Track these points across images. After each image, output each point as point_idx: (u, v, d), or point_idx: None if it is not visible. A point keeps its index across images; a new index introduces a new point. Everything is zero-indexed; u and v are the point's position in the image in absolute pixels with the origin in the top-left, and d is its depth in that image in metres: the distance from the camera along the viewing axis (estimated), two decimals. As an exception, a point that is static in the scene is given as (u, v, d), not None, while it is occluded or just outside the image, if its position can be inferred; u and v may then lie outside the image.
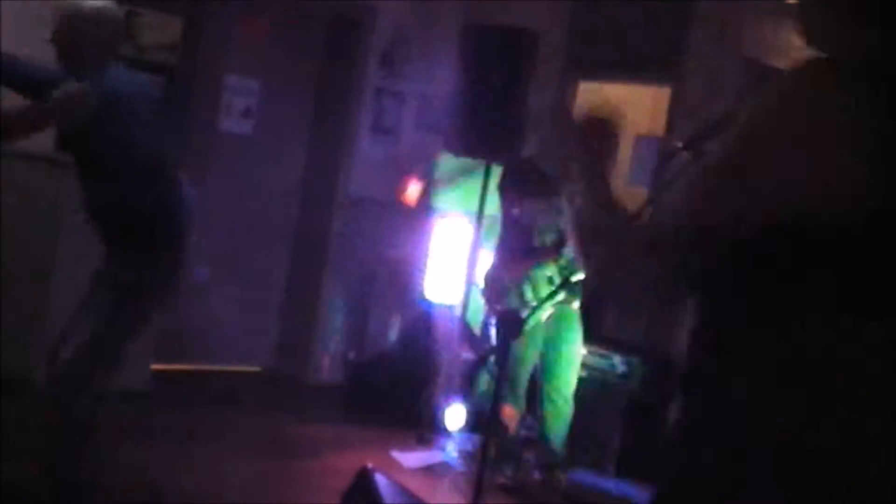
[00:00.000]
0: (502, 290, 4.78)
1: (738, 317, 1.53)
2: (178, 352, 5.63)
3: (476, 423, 5.22)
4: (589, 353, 5.15)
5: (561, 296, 4.62)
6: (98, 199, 3.52)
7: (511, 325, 2.85)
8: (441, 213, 6.10)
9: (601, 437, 5.28)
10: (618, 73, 6.47)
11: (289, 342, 6.26)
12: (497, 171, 4.98)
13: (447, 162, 5.98)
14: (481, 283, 4.94)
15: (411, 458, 4.95)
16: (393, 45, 6.13)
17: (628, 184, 6.17)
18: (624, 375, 5.30)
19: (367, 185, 6.13)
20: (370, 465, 3.13)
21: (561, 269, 4.67)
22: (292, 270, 6.26)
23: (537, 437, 4.90)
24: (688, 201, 1.53)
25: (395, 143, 6.24)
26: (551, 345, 4.75)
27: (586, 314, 4.86)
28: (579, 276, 4.47)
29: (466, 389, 5.33)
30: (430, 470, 4.89)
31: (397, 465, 4.80)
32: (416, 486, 4.12)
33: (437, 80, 6.06)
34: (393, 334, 6.04)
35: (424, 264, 5.93)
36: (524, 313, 3.28)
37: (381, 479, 3.06)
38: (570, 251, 4.69)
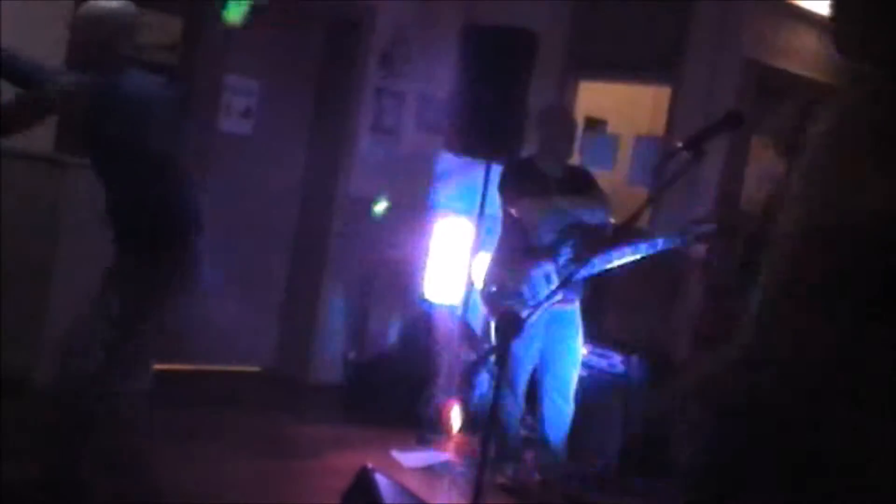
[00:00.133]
0: (500, 289, 4.78)
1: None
2: (178, 352, 5.62)
3: (476, 423, 5.22)
4: (589, 353, 5.16)
5: (561, 295, 4.61)
6: (115, 198, 3.55)
7: (511, 325, 2.85)
8: (441, 213, 6.09)
9: (601, 437, 5.28)
10: (618, 73, 6.48)
11: (289, 342, 6.26)
12: (497, 171, 4.97)
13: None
14: (479, 283, 4.94)
15: (411, 458, 4.95)
16: (393, 45, 6.13)
17: (628, 184, 6.17)
18: (624, 375, 5.30)
19: (367, 185, 6.13)
20: (370, 465, 3.13)
21: (559, 269, 4.67)
22: (292, 270, 6.26)
23: (537, 437, 4.90)
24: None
25: (395, 143, 6.24)
26: (551, 344, 4.75)
27: (586, 314, 4.86)
28: (578, 276, 4.48)
29: (466, 389, 5.33)
30: (430, 470, 4.89)
31: (397, 465, 4.80)
32: (416, 486, 4.12)
33: (437, 80, 6.06)
34: (393, 334, 6.04)
35: (424, 264, 5.93)
36: (524, 313, 3.27)
37: (381, 479, 3.06)
38: (567, 251, 4.69)
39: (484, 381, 5.32)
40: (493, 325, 4.85)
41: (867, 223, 1.34)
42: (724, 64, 5.81)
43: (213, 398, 5.46)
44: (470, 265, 5.22)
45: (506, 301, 4.72)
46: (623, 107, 6.87)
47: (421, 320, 5.75)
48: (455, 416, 5.28)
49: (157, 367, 5.28)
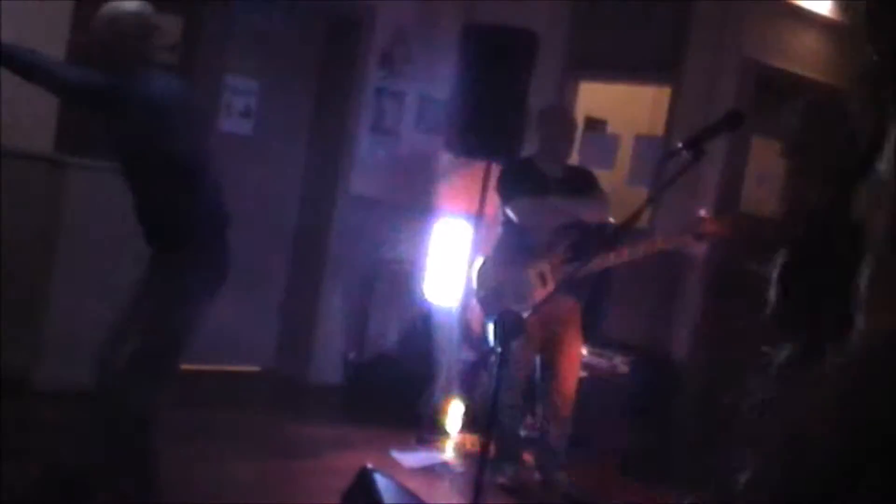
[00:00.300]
0: (495, 289, 4.78)
1: None
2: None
3: (476, 423, 5.22)
4: (589, 353, 5.16)
5: (561, 295, 4.61)
6: (143, 202, 3.59)
7: (511, 325, 2.85)
8: (441, 213, 6.09)
9: (601, 437, 5.28)
10: (618, 73, 6.48)
11: (289, 342, 6.25)
12: (497, 171, 4.97)
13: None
14: (475, 283, 4.94)
15: (411, 458, 4.95)
16: (393, 45, 6.13)
17: (628, 184, 6.17)
18: (624, 375, 5.31)
19: (367, 185, 6.13)
20: (370, 465, 3.13)
21: (554, 269, 4.66)
22: (292, 270, 6.26)
23: (537, 437, 4.89)
24: None
25: (395, 143, 6.24)
26: (551, 345, 4.75)
27: (586, 314, 4.86)
28: (575, 276, 4.48)
29: (466, 390, 5.33)
30: (430, 470, 4.88)
31: (397, 465, 4.80)
32: (416, 486, 4.11)
33: (437, 80, 6.06)
34: (393, 334, 6.04)
35: (425, 264, 5.93)
36: (525, 313, 3.27)
37: (381, 479, 3.05)
38: (563, 250, 4.69)
39: (483, 381, 5.31)
40: (490, 325, 4.86)
41: None
42: (724, 64, 5.81)
43: (213, 398, 5.46)
44: (470, 265, 5.21)
45: (500, 300, 4.72)
46: (623, 107, 6.87)
47: (421, 320, 5.75)
48: (455, 417, 5.28)
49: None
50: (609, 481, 5.16)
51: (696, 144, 2.73)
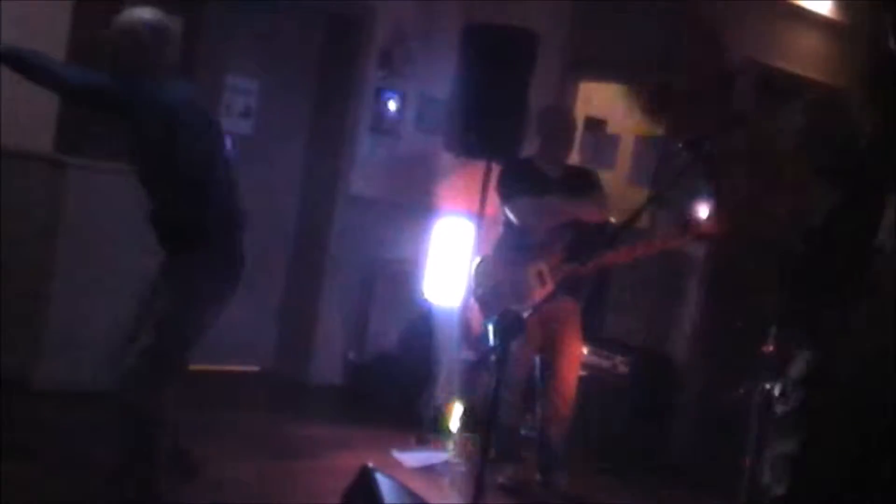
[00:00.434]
0: (492, 288, 4.78)
1: None
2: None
3: (476, 423, 5.21)
4: (589, 353, 5.16)
5: (561, 295, 4.62)
6: (158, 207, 3.64)
7: (511, 324, 2.85)
8: (441, 213, 6.09)
9: (601, 437, 5.28)
10: (618, 73, 6.48)
11: (289, 342, 6.25)
12: (497, 171, 4.97)
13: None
14: (474, 283, 4.94)
15: (411, 458, 4.95)
16: (393, 45, 6.13)
17: (628, 184, 6.18)
18: (624, 375, 5.31)
19: (367, 184, 6.13)
20: (371, 465, 3.13)
21: (552, 268, 4.66)
22: (292, 270, 6.26)
23: (537, 437, 4.89)
24: None
25: (395, 143, 6.24)
26: (551, 344, 4.75)
27: (586, 314, 4.86)
28: (575, 276, 4.48)
29: (466, 389, 5.33)
30: (430, 470, 4.88)
31: (398, 465, 4.80)
32: (417, 486, 4.11)
33: (437, 80, 6.06)
34: (393, 335, 6.04)
35: (425, 264, 5.93)
36: (525, 313, 3.27)
37: (381, 479, 3.06)
38: (560, 250, 4.68)
39: (484, 381, 5.31)
40: (488, 324, 4.86)
41: None
42: (724, 64, 5.81)
43: (213, 398, 5.46)
44: (470, 265, 5.21)
45: (498, 300, 4.72)
46: (623, 107, 6.87)
47: (421, 320, 5.75)
48: (455, 417, 5.28)
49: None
50: (609, 481, 5.16)
51: (696, 144, 2.73)
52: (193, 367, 5.85)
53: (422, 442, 5.20)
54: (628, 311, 5.86)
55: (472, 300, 5.02)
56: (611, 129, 7.03)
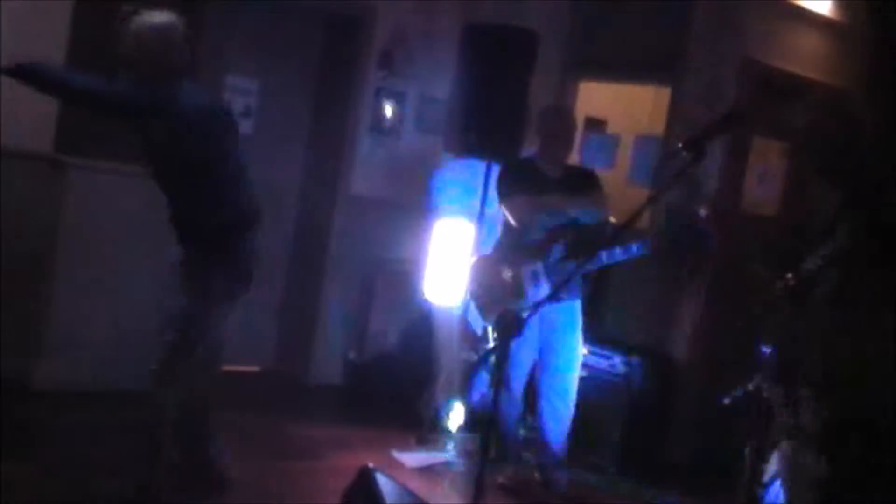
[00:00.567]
0: (489, 287, 4.78)
1: None
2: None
3: (476, 423, 5.21)
4: (589, 353, 5.15)
5: (561, 295, 4.61)
6: (178, 207, 3.69)
7: (511, 324, 2.85)
8: (442, 213, 6.09)
9: (601, 437, 5.28)
10: (618, 73, 6.48)
11: (289, 342, 6.25)
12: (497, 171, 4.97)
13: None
14: (470, 281, 4.93)
15: (411, 458, 4.95)
16: (393, 45, 6.13)
17: (628, 184, 6.17)
18: (624, 375, 5.30)
19: (368, 185, 6.13)
20: (371, 465, 3.13)
21: (548, 268, 4.66)
22: (292, 270, 6.26)
23: (537, 437, 4.89)
24: None
25: (395, 143, 6.24)
26: (551, 344, 4.75)
27: (586, 314, 4.86)
28: (570, 274, 4.48)
29: (466, 389, 5.32)
30: (430, 470, 4.89)
31: (398, 465, 4.80)
32: (417, 486, 4.12)
33: (437, 80, 6.06)
34: (393, 335, 6.04)
35: (425, 264, 5.93)
36: (525, 313, 3.28)
37: (381, 479, 3.06)
38: (558, 249, 4.68)
39: (483, 381, 5.31)
40: (483, 322, 4.86)
41: None
42: (724, 64, 5.81)
43: (214, 398, 5.45)
44: (470, 265, 5.21)
45: (493, 299, 4.72)
46: (623, 107, 6.87)
47: (421, 320, 5.75)
48: (455, 417, 5.28)
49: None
50: (609, 481, 5.16)
51: (696, 144, 2.73)
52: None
53: (422, 442, 5.20)
54: (628, 311, 5.86)
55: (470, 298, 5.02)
56: (611, 129, 7.03)
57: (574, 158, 5.28)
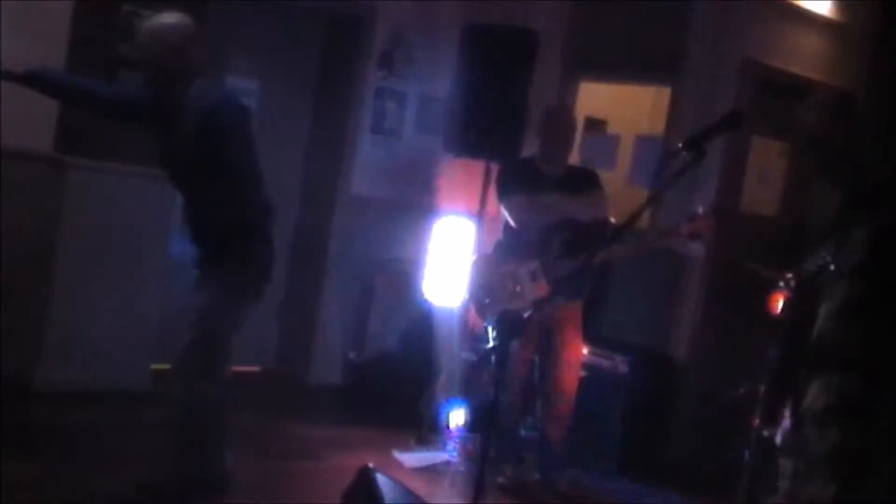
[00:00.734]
0: (488, 286, 4.78)
1: None
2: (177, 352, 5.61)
3: (476, 423, 5.22)
4: (589, 353, 5.15)
5: (561, 295, 4.61)
6: (194, 208, 3.71)
7: (511, 324, 2.85)
8: (441, 213, 6.09)
9: (601, 437, 5.28)
10: (618, 73, 6.48)
11: (289, 342, 6.25)
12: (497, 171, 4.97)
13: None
14: (468, 281, 4.93)
15: (412, 458, 4.95)
16: (393, 45, 6.13)
17: (628, 184, 6.17)
18: (624, 375, 5.30)
19: (368, 185, 6.13)
20: (371, 465, 3.14)
21: (546, 267, 4.66)
22: (292, 270, 6.26)
23: (537, 437, 4.89)
24: None
25: (395, 143, 6.24)
26: (551, 345, 4.75)
27: (586, 314, 4.86)
28: (567, 274, 4.48)
29: (467, 389, 5.32)
30: (430, 470, 4.89)
31: (398, 465, 4.80)
32: (417, 485, 4.11)
33: (437, 80, 6.06)
34: (393, 335, 6.04)
35: (425, 264, 5.93)
36: (525, 313, 3.28)
37: (381, 479, 3.06)
38: (556, 249, 4.68)
39: (483, 381, 5.31)
40: (483, 322, 4.86)
41: None
42: (724, 64, 5.81)
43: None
44: (470, 265, 5.21)
45: (492, 298, 4.72)
46: (623, 107, 6.87)
47: (421, 320, 5.75)
48: (455, 417, 5.28)
49: (157, 367, 5.31)
50: (609, 481, 5.16)
51: (696, 144, 2.73)
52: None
53: (422, 442, 5.20)
54: (628, 311, 5.86)
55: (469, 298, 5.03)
56: (611, 129, 7.03)
57: (574, 158, 5.28)
